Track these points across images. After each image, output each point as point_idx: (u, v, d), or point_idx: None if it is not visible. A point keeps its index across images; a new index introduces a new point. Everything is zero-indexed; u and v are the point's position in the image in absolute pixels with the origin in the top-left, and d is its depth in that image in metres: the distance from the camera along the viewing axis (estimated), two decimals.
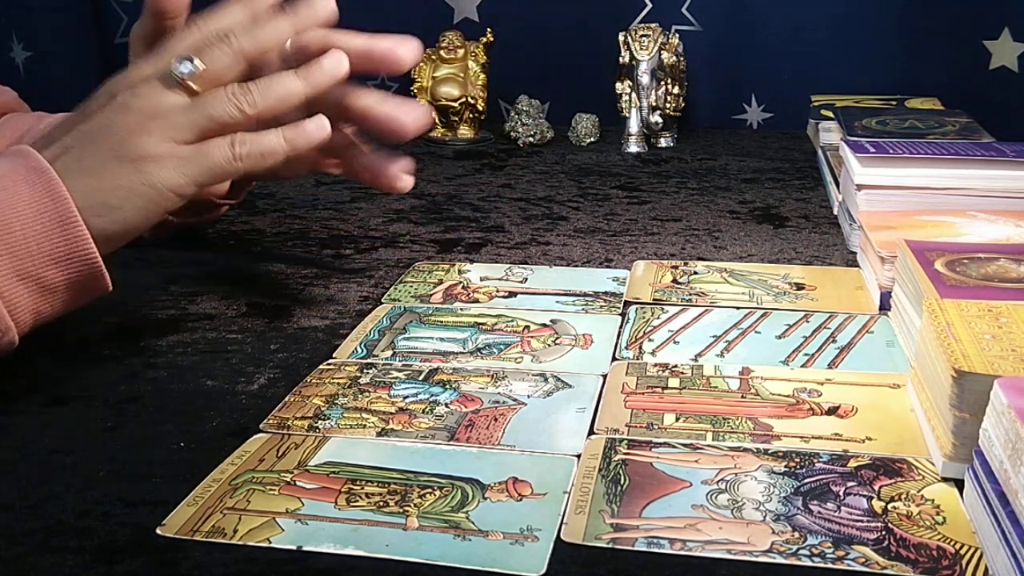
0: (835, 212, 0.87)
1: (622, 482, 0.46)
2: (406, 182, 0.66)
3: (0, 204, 0.52)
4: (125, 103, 0.55)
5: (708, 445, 0.49)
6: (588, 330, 0.63)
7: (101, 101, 0.56)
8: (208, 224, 0.83)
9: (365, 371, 0.58)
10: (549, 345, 0.61)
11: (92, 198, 0.54)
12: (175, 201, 0.56)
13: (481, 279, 0.73)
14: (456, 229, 0.85)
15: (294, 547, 0.41)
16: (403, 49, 0.62)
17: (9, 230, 0.51)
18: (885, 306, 0.64)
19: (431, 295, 0.70)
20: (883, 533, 0.41)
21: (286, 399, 0.54)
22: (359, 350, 0.61)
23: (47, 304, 0.54)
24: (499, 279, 0.73)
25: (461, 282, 0.72)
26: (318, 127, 0.59)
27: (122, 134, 0.54)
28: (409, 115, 0.62)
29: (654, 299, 0.68)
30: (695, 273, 0.73)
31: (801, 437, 0.49)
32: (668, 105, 1.13)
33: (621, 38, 1.14)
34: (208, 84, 0.56)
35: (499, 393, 0.55)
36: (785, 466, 0.47)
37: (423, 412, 0.53)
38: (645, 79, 1.11)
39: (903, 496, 0.44)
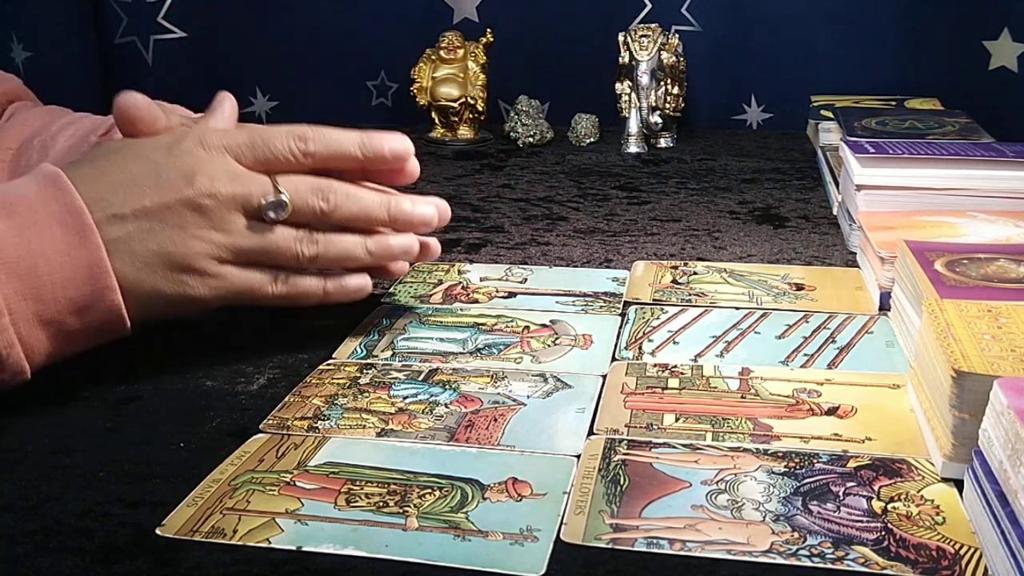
0: (835, 212, 0.87)
1: (622, 482, 0.46)
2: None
3: (31, 243, 0.50)
4: (201, 204, 0.54)
5: (708, 445, 0.49)
6: (588, 330, 0.63)
7: (174, 180, 0.54)
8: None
9: (365, 371, 0.58)
10: (549, 345, 0.61)
11: (126, 280, 0.53)
12: (197, 312, 0.57)
13: (481, 279, 0.73)
14: (456, 229, 0.85)
15: (294, 547, 0.41)
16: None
17: (36, 273, 0.50)
18: (885, 306, 0.64)
19: (431, 295, 0.70)
20: (883, 533, 0.41)
21: (286, 399, 0.54)
22: (359, 350, 0.61)
23: (65, 347, 0.53)
24: (499, 279, 0.73)
25: (461, 282, 0.72)
26: (359, 287, 0.60)
27: (183, 237, 0.54)
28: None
29: (654, 299, 0.68)
30: (695, 273, 0.73)
31: (801, 437, 0.49)
32: (668, 105, 1.13)
33: (621, 38, 1.13)
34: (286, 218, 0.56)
35: (499, 393, 0.55)
36: (785, 466, 0.47)
37: (423, 412, 0.53)
38: (645, 79, 1.11)
39: (903, 496, 0.44)
